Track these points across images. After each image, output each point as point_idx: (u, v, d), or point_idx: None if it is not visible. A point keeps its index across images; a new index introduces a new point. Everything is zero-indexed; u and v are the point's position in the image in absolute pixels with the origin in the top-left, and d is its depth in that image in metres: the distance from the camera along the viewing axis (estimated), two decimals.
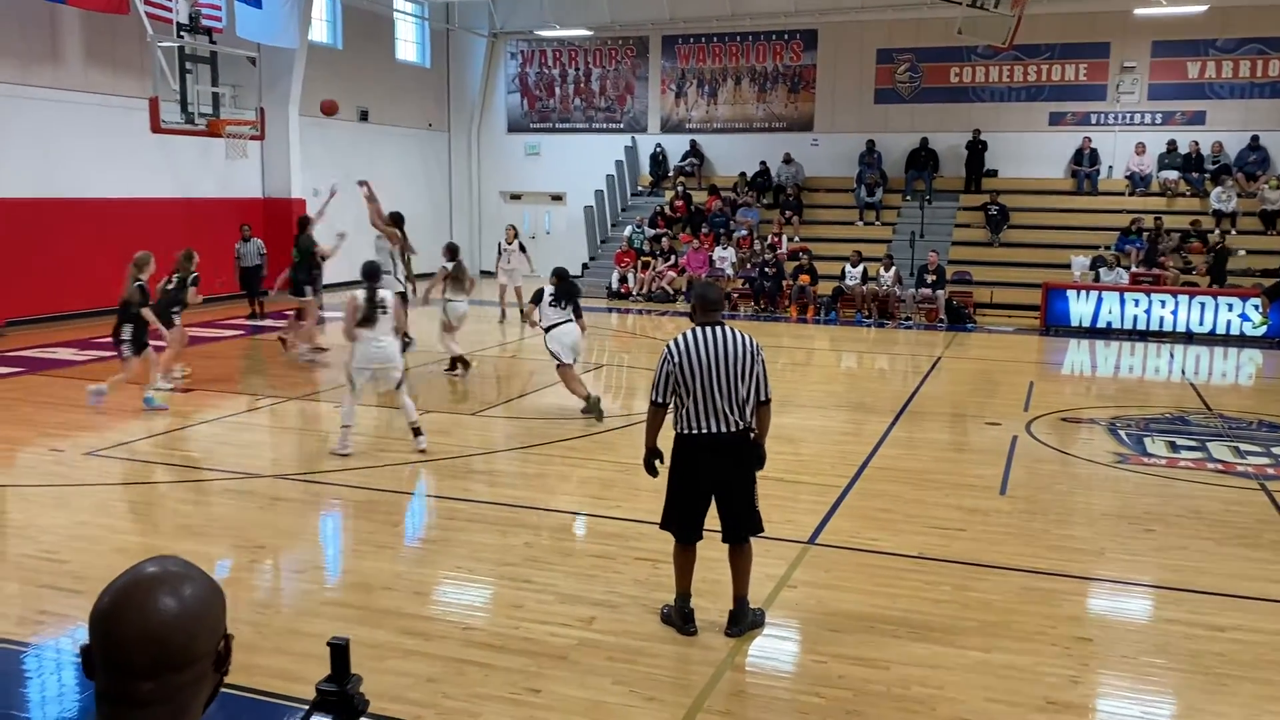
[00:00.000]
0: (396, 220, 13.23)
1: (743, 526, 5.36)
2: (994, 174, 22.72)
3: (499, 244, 16.84)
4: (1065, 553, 6.76)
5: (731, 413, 5.19)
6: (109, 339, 10.70)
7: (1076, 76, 22.37)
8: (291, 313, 13.72)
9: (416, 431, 8.95)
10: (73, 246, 16.65)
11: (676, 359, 5.21)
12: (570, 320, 10.40)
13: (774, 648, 5.34)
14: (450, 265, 12.60)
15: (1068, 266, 19.51)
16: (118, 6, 15.67)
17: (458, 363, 12.56)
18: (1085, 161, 22.06)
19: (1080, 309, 18.21)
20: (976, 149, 22.56)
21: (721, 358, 5.17)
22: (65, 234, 16.57)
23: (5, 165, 15.42)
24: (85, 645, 1.46)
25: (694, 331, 5.27)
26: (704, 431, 5.22)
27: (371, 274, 8.98)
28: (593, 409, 10.28)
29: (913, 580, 6.19)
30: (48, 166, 16.37)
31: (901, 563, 6.47)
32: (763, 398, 5.29)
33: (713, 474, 5.29)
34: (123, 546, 6.60)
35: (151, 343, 10.72)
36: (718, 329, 5.25)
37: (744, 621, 5.36)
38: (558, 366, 10.52)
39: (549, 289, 10.49)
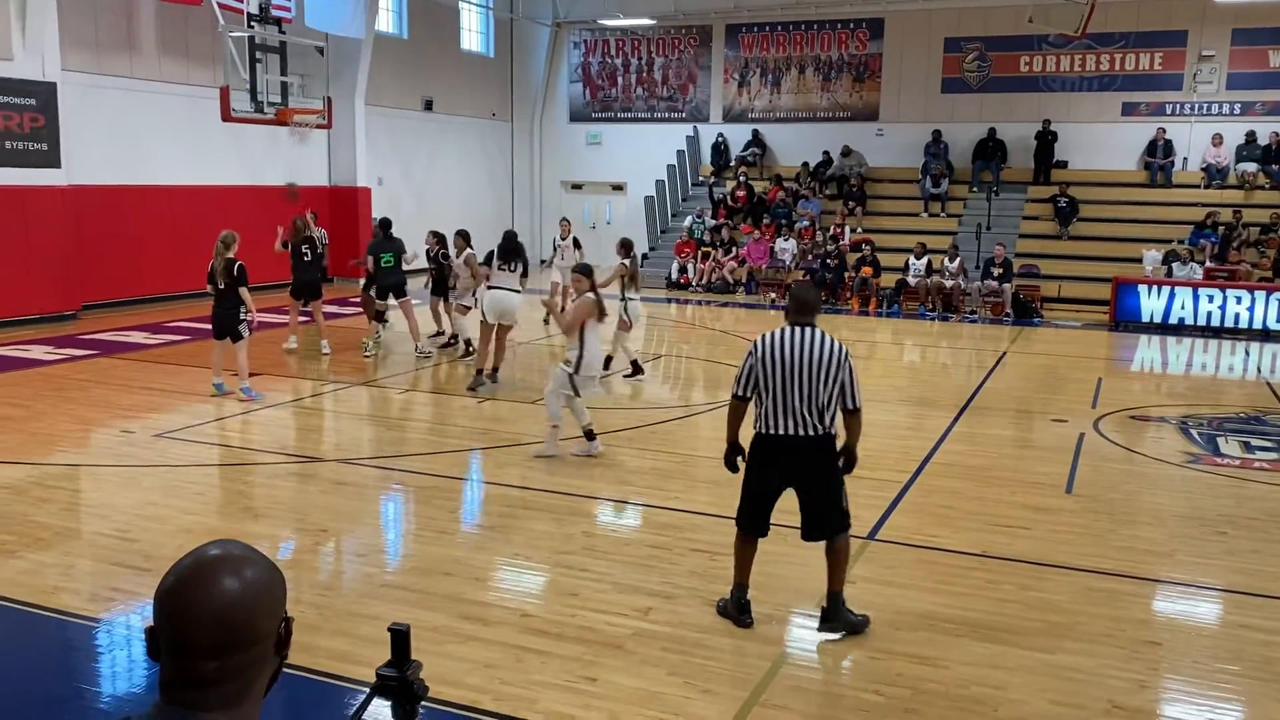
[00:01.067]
0: (465, 238, 13.27)
1: (823, 527, 5.24)
2: (1064, 165, 22.24)
3: (554, 239, 16.79)
4: (1133, 554, 6.60)
5: (810, 416, 5.07)
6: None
7: (1151, 66, 21.80)
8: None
9: (590, 435, 8.60)
10: (146, 232, 17.05)
11: (759, 354, 5.16)
12: (504, 288, 11.16)
13: (832, 643, 5.28)
14: (627, 261, 12.34)
15: (1139, 261, 19.04)
16: None
17: (635, 365, 12.03)
18: (1159, 153, 21.49)
19: (1151, 304, 17.77)
20: (1046, 140, 22.11)
21: (803, 359, 5.07)
22: (138, 220, 16.96)
23: (82, 153, 15.83)
24: (150, 626, 1.48)
25: (782, 330, 5.20)
26: (779, 433, 5.12)
27: (587, 272, 8.65)
28: (480, 382, 11.14)
29: (975, 578, 6.09)
30: (122, 154, 16.77)
31: (963, 560, 6.38)
32: (849, 406, 5.13)
33: (787, 476, 5.21)
34: (190, 527, 6.75)
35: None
36: (807, 330, 5.15)
37: (836, 619, 5.22)
38: (481, 324, 11.32)
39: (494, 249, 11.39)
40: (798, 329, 5.17)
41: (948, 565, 6.29)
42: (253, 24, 16.34)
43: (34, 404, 10.20)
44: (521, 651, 4.96)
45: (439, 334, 14.19)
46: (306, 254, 13.04)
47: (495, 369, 11.42)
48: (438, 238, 13.94)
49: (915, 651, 5.06)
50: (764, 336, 5.22)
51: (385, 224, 13.55)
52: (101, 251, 16.27)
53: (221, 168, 18.53)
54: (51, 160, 15.10)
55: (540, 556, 6.34)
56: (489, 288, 11.33)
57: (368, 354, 13.09)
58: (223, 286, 10.25)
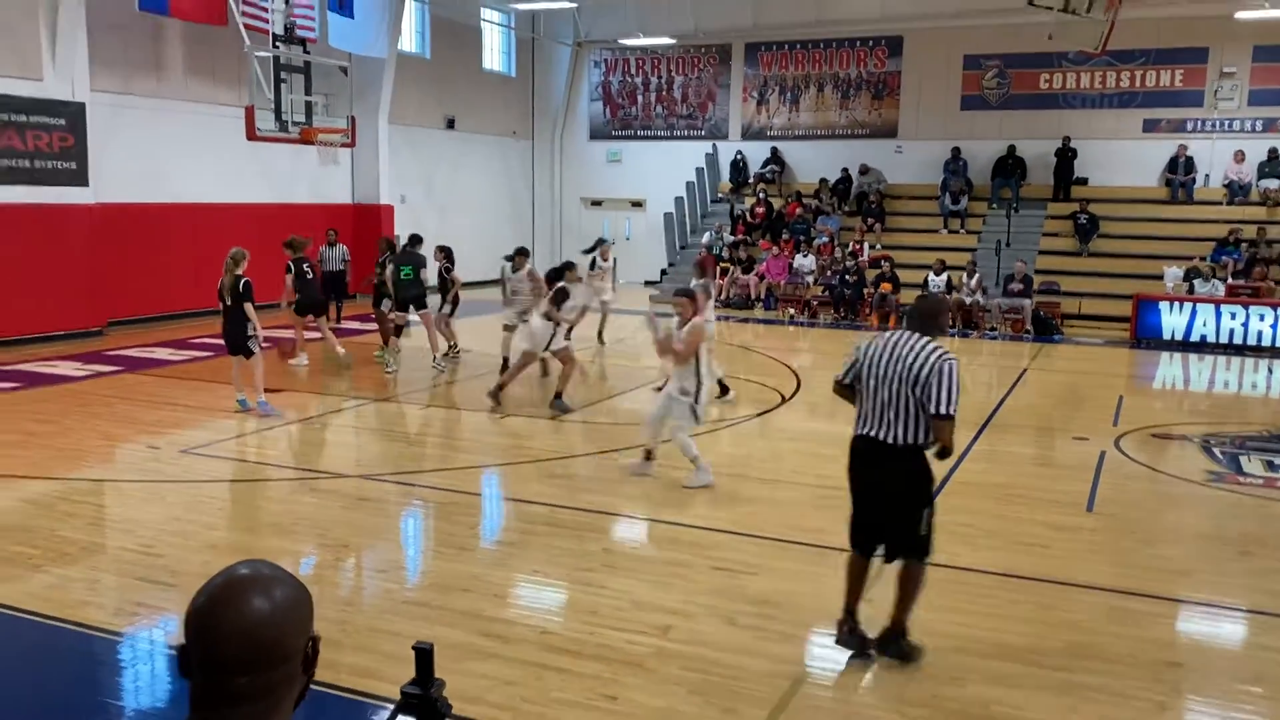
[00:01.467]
0: (525, 255, 13.30)
1: (898, 546, 5.09)
2: (1084, 182, 22.18)
3: (594, 258, 16.11)
4: (1155, 573, 6.57)
5: (896, 421, 4.93)
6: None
7: (1172, 82, 21.74)
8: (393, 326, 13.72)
9: (650, 455, 8.47)
10: (171, 250, 17.25)
11: (862, 347, 5.15)
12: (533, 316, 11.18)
13: (851, 662, 5.27)
14: (702, 282, 12.29)
15: (1160, 277, 18.94)
16: (217, 18, 16.21)
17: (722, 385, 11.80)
18: (1180, 170, 21.41)
19: (1173, 321, 17.66)
20: (1066, 156, 22.06)
21: (896, 358, 4.95)
22: (164, 238, 17.16)
23: (109, 171, 16.03)
24: (181, 644, 1.52)
25: (891, 331, 5.17)
26: (864, 433, 5.06)
27: (692, 295, 8.47)
28: (492, 395, 11.12)
29: (994, 597, 6.07)
30: (149, 172, 16.98)
31: (983, 579, 6.36)
32: (934, 410, 4.87)
33: (868, 483, 5.11)
34: (214, 542, 6.81)
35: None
36: (912, 336, 5.05)
37: (890, 648, 5.10)
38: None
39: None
40: (906, 334, 5.09)
41: (968, 584, 6.28)
42: (278, 44, 16.55)
43: (61, 419, 10.32)
44: (542, 669, 4.98)
45: (455, 349, 14.26)
46: (308, 272, 13.25)
47: (559, 393, 11.20)
48: (445, 253, 14.00)
49: (935, 671, 5.05)
50: (875, 335, 5.20)
51: (413, 239, 13.81)
52: (128, 268, 16.46)
53: (246, 186, 18.73)
54: (80, 179, 15.32)
55: (559, 573, 6.37)
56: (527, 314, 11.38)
57: (390, 370, 13.17)
58: (230, 303, 10.39)
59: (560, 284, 11.25)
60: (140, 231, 16.76)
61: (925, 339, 5.02)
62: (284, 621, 1.52)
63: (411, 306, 13.32)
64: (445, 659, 1.81)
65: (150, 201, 17.01)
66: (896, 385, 4.95)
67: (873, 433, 5.03)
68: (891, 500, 5.08)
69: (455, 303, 14.15)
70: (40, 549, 6.58)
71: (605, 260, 16.13)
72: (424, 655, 1.80)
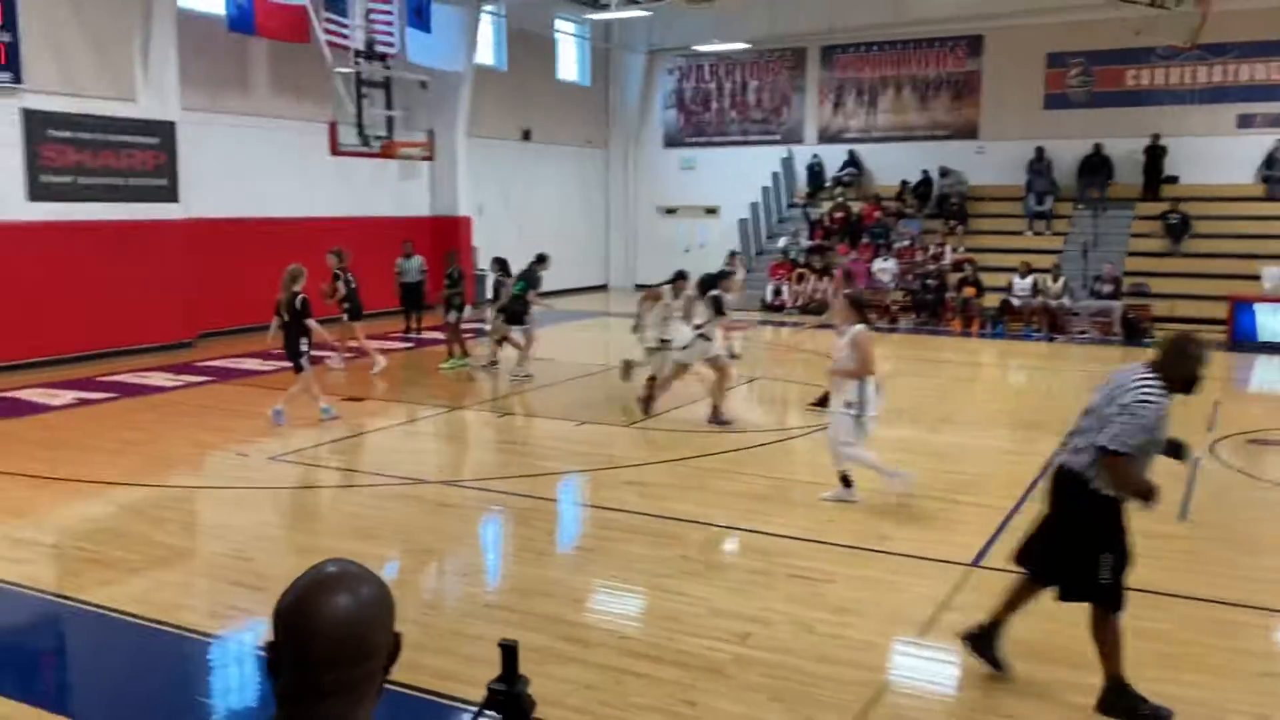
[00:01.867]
0: (685, 278, 13.34)
1: (1070, 587, 4.75)
2: (1174, 180, 21.52)
3: (724, 269, 15.41)
4: (1252, 583, 6.33)
5: (1070, 440, 4.77)
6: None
7: (1268, 76, 20.98)
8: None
9: (846, 481, 7.99)
10: (259, 263, 17.67)
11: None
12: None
13: (934, 671, 5.20)
14: (848, 290, 12.11)
15: (1257, 278, 18.28)
16: (300, 35, 16.62)
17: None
18: (1277, 166, 20.65)
19: (1271, 323, 17.03)
20: (1155, 154, 21.43)
21: (1113, 383, 4.70)
22: (252, 251, 17.61)
23: (199, 187, 16.54)
24: (270, 641, 1.56)
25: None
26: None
27: (861, 302, 8.36)
28: (714, 420, 10.82)
29: (1083, 607, 5.89)
30: (236, 187, 17.48)
31: None
32: (1098, 440, 4.49)
33: (1047, 506, 4.91)
34: (302, 547, 6.97)
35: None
36: (1141, 368, 4.61)
37: (1104, 704, 4.62)
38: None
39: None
40: (1142, 365, 4.65)
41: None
42: (359, 60, 16.91)
43: (154, 428, 10.67)
44: (621, 674, 4.99)
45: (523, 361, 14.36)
46: (352, 281, 14.14)
47: (648, 400, 11.31)
48: (500, 264, 14.25)
49: (1020, 682, 4.94)
50: None
51: (539, 258, 14.17)
52: (217, 282, 16.94)
53: (329, 199, 19.16)
54: (170, 195, 15.85)
55: (638, 579, 6.38)
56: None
57: (482, 364, 13.91)
58: (287, 319, 10.61)
59: (715, 293, 11.10)
60: (229, 245, 17.23)
61: (1152, 374, 4.53)
62: (370, 619, 1.55)
63: (516, 320, 13.75)
64: (526, 662, 1.82)
65: (238, 216, 17.50)
66: (1089, 407, 4.72)
67: (1059, 455, 4.83)
68: (1057, 530, 4.80)
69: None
70: (137, 553, 6.81)
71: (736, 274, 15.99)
72: (509, 652, 1.82)
